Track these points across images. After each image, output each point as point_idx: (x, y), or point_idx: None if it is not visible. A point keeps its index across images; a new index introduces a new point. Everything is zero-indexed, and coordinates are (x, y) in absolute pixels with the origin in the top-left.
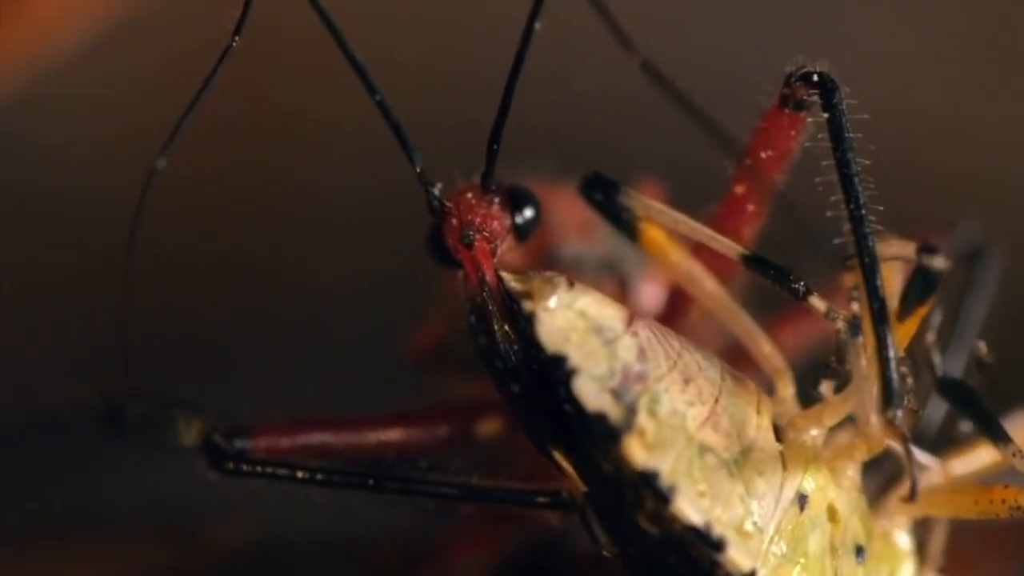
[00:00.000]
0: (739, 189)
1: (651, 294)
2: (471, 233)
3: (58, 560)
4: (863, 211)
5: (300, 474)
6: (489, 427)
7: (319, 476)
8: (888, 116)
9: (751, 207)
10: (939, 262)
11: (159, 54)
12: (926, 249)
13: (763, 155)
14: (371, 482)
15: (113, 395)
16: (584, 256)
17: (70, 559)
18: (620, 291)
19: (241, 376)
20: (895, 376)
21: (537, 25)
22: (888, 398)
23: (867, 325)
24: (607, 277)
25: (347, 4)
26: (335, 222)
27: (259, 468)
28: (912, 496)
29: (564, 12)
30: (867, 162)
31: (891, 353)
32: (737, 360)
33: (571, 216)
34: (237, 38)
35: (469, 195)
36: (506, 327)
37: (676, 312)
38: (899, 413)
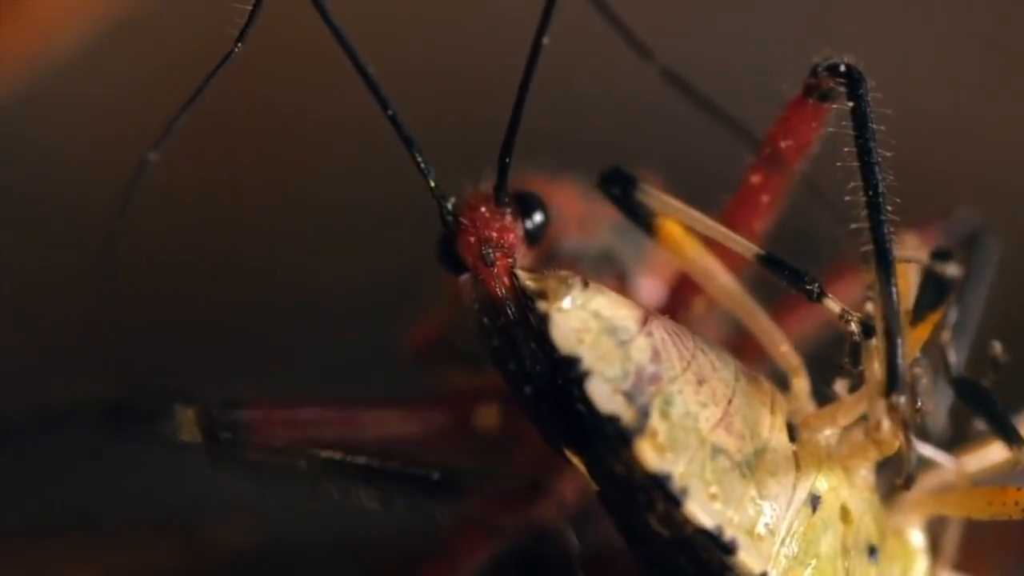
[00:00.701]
0: (755, 179)
1: (650, 288)
2: (491, 252)
3: (58, 560)
4: (882, 200)
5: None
6: (487, 417)
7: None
8: (890, 115)
9: (766, 198)
10: (952, 269)
11: (159, 54)
12: (939, 255)
13: (782, 145)
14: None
15: (112, 391)
16: (583, 250)
17: (70, 559)
18: (619, 285)
19: (241, 376)
20: (901, 361)
21: (545, 40)
22: (893, 382)
23: (877, 313)
24: (606, 271)
25: (347, 3)
26: (335, 222)
27: (251, 440)
28: (907, 484)
29: (567, 11)
30: (889, 154)
31: (897, 337)
32: (742, 351)
33: (569, 211)
34: (240, 44)
35: (483, 210)
36: (520, 328)
37: (678, 305)
38: (903, 398)
